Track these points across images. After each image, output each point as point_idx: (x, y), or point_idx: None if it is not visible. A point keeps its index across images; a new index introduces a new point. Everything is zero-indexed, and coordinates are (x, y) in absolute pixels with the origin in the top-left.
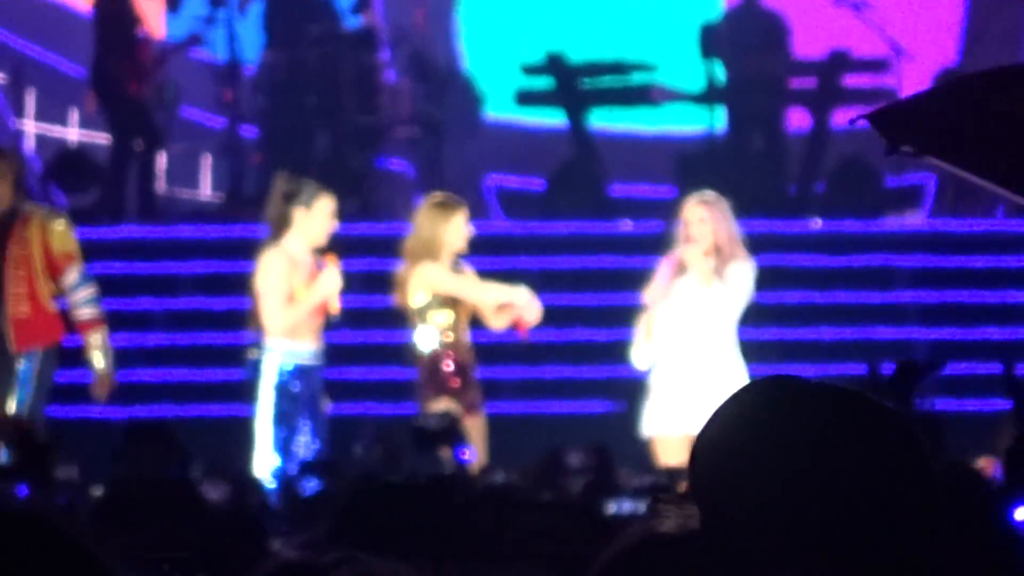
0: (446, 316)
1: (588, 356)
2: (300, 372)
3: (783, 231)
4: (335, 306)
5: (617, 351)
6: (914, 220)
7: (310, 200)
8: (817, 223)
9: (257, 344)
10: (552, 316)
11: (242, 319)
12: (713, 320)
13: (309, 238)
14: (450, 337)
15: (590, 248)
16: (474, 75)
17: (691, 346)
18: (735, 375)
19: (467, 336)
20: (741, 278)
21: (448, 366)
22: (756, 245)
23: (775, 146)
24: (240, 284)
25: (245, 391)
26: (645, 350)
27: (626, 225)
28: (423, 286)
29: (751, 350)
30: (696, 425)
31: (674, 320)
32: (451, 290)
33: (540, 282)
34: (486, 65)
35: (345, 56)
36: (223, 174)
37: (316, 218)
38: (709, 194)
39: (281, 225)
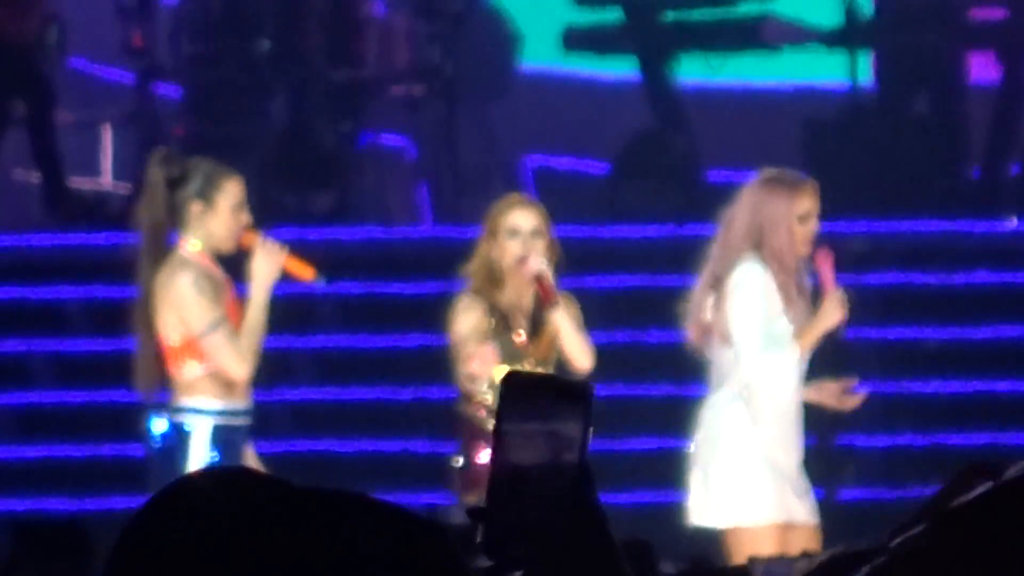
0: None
1: (660, 421)
2: (232, 438)
3: (961, 234)
4: (306, 272)
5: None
6: None
7: (207, 188)
8: (1012, 222)
9: (166, 406)
10: (619, 359)
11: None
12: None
13: (210, 243)
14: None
15: (678, 262)
16: (504, 7)
17: (796, 406)
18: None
19: None
20: None
21: (480, 451)
22: (925, 255)
23: (948, 109)
24: None
25: (147, 474)
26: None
27: None
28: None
29: (909, 406)
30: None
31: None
32: (457, 346)
33: (603, 311)
34: None
35: None
36: (130, 155)
37: (219, 215)
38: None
39: (164, 227)
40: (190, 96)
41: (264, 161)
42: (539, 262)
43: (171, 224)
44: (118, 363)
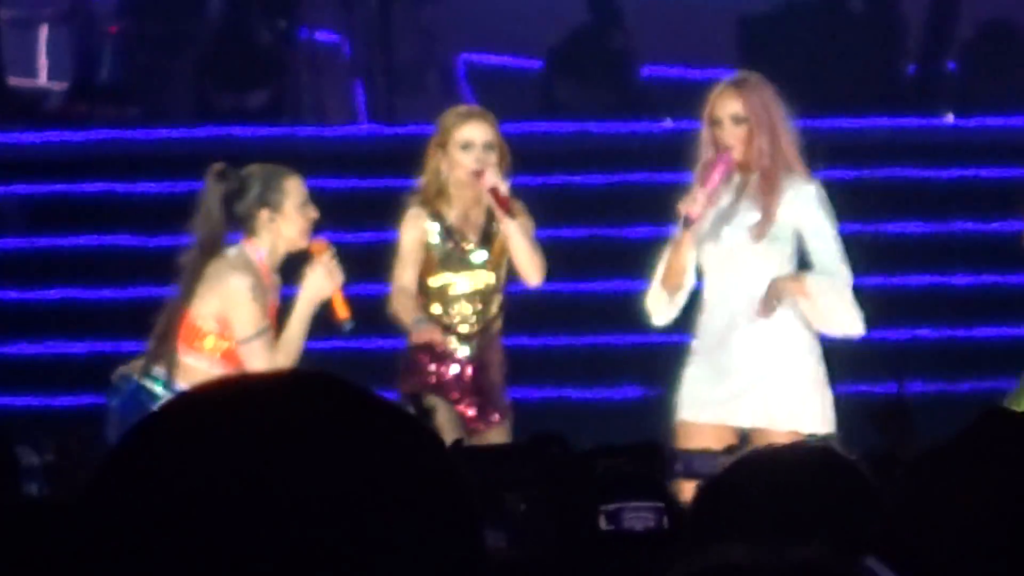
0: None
1: (612, 318)
2: None
3: (897, 130)
4: (342, 312)
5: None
6: None
7: (269, 193)
8: (948, 118)
9: (148, 373)
10: (558, 260)
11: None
12: (763, 272)
13: (281, 246)
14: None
15: (611, 158)
16: None
17: (734, 307)
18: (793, 350)
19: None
20: (804, 208)
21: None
22: (860, 152)
23: (884, 5)
24: (97, 215)
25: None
26: (662, 296)
27: (666, 124)
28: None
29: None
30: (739, 415)
31: (712, 271)
32: None
33: (538, 209)
34: None
35: None
36: (65, 53)
37: (288, 217)
38: (749, 76)
39: (220, 239)
40: None
41: (200, 58)
42: (494, 175)
43: (226, 233)
44: (51, 260)
